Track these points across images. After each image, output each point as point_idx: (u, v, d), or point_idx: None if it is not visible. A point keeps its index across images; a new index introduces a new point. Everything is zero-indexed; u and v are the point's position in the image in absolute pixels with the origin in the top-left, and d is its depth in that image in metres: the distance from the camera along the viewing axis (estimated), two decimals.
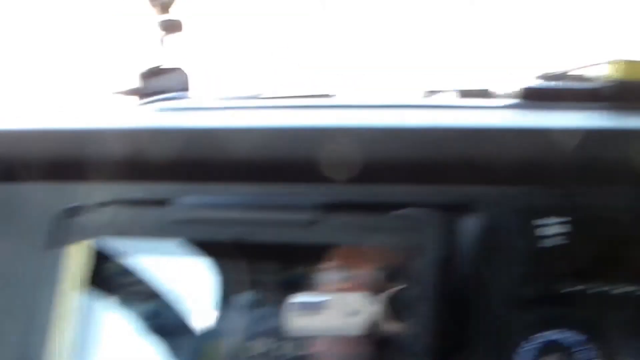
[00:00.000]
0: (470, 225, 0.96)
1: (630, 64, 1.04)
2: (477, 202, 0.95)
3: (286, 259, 0.87)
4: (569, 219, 0.93)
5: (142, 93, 1.22)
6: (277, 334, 0.85)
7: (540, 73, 1.12)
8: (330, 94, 1.11)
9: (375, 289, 0.87)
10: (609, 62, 1.04)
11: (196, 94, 1.25)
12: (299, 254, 0.87)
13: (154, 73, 1.26)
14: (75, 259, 0.89)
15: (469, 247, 0.96)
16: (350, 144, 0.93)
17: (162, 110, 1.10)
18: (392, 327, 0.85)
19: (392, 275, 0.88)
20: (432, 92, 1.16)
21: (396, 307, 0.85)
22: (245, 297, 0.87)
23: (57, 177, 0.95)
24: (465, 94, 1.12)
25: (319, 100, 1.08)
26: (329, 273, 0.88)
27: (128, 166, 0.95)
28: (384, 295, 0.86)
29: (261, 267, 0.88)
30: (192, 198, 0.88)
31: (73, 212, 0.90)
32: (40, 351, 0.87)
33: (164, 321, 0.87)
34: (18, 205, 0.95)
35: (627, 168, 0.91)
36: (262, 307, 0.87)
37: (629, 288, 0.90)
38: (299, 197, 0.90)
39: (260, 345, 0.86)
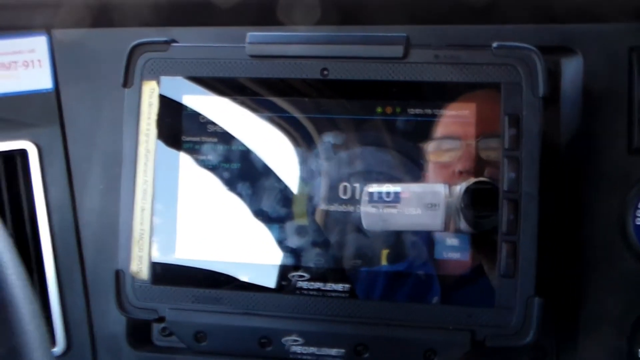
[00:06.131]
0: (574, 68, 0.87)
1: None
2: (581, 42, 0.86)
3: (373, 98, 0.78)
4: None
5: None
6: (361, 177, 0.78)
7: None
8: None
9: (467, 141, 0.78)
10: None
11: None
12: (386, 93, 0.78)
13: None
14: (149, 98, 0.83)
15: (573, 92, 0.87)
16: None
17: None
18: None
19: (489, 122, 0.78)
20: None
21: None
22: (328, 139, 0.79)
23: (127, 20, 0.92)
24: None
25: None
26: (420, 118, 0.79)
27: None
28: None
29: (345, 107, 0.79)
30: (265, 35, 0.80)
31: (144, 51, 0.82)
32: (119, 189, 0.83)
33: (244, 164, 0.80)
34: (93, 49, 0.93)
35: None
36: (346, 150, 0.78)
37: None
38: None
39: (346, 188, 0.79)
